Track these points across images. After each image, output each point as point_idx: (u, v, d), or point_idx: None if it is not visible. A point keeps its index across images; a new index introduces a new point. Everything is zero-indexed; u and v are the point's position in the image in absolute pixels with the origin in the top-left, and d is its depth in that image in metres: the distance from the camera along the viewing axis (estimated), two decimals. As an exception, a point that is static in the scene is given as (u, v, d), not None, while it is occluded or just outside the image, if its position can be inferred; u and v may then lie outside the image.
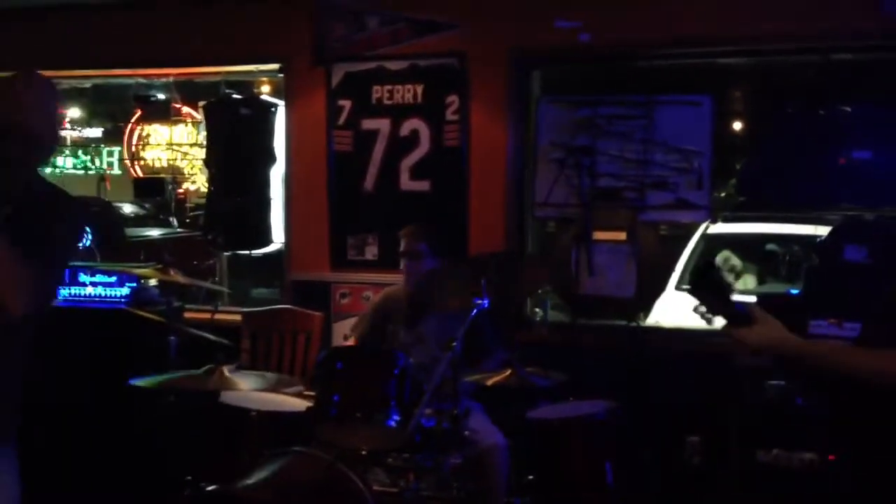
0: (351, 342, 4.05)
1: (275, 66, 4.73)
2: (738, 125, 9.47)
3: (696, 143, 4.09)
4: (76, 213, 2.50)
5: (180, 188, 5.85)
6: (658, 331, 4.32)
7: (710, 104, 4.11)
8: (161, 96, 5.52)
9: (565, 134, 4.24)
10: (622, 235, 4.11)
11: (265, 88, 5.77)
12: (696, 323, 4.31)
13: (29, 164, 2.29)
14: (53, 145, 2.41)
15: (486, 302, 3.06)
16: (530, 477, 3.37)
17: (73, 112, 5.60)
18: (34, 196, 2.31)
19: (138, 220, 11.34)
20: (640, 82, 4.24)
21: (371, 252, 4.57)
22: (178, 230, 9.79)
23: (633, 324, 4.17)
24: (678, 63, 4.32)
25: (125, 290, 4.35)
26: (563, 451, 3.36)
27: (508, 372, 3.38)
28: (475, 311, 3.04)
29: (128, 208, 11.49)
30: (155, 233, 10.14)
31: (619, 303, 4.11)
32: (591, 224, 4.12)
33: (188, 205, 10.41)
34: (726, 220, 7.96)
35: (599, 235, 4.12)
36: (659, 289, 4.22)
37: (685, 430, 4.15)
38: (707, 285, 2.08)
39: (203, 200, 5.99)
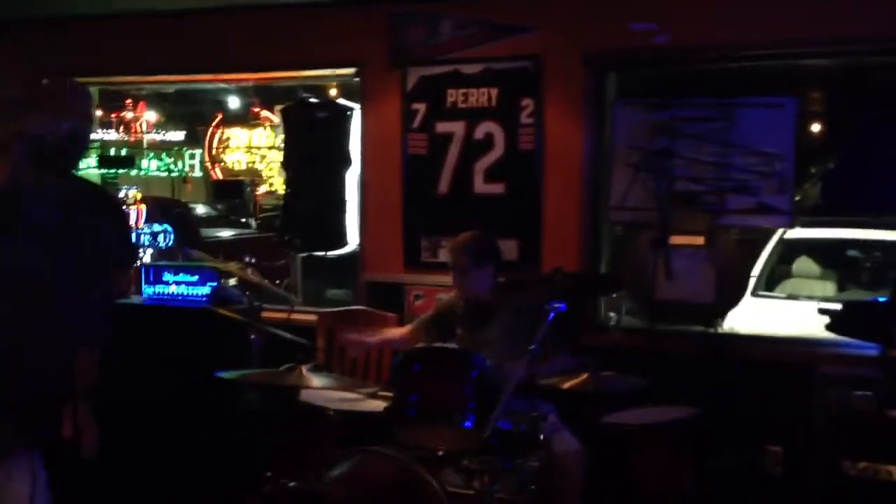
0: (405, 329, 4.07)
1: (351, 70, 4.78)
2: (816, 128, 9.21)
3: (778, 146, 3.99)
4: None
5: (257, 190, 5.97)
6: (738, 337, 4.23)
7: (794, 106, 4.01)
8: (239, 101, 5.67)
9: (642, 137, 4.18)
10: (700, 240, 4.04)
11: (332, 92, 5.83)
12: (777, 330, 4.25)
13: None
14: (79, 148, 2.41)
15: (563, 305, 3.05)
16: (605, 483, 3.34)
17: (153, 116, 5.78)
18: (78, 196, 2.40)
19: (210, 221, 11.64)
20: (720, 84, 4.16)
21: (444, 254, 4.56)
22: (248, 231, 9.99)
23: (712, 330, 4.09)
24: (759, 65, 4.22)
25: (206, 290, 4.45)
26: (641, 457, 3.32)
27: (585, 376, 3.35)
28: (553, 314, 3.03)
29: (200, 209, 11.80)
30: (226, 234, 10.38)
31: (697, 308, 4.04)
32: (668, 228, 4.06)
33: (262, 205, 10.62)
34: (805, 224, 7.77)
35: (677, 240, 4.05)
36: (738, 294, 4.12)
37: (766, 440, 4.06)
38: None
39: (276, 202, 6.12)
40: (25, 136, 2.10)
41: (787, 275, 7.34)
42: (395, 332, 4.12)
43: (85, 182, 2.69)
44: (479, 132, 4.46)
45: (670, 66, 4.32)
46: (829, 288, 7.15)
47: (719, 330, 4.15)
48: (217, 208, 12.13)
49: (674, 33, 4.08)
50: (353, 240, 4.90)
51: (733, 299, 4.11)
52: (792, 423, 3.94)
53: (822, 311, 3.80)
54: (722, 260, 4.00)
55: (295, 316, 4.71)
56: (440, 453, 3.04)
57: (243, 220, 11.01)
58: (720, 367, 3.97)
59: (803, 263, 7.34)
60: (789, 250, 7.44)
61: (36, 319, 2.27)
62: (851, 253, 7.70)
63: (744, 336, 4.28)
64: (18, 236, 2.22)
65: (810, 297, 6.56)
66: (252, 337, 3.57)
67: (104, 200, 2.67)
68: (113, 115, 5.63)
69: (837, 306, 3.68)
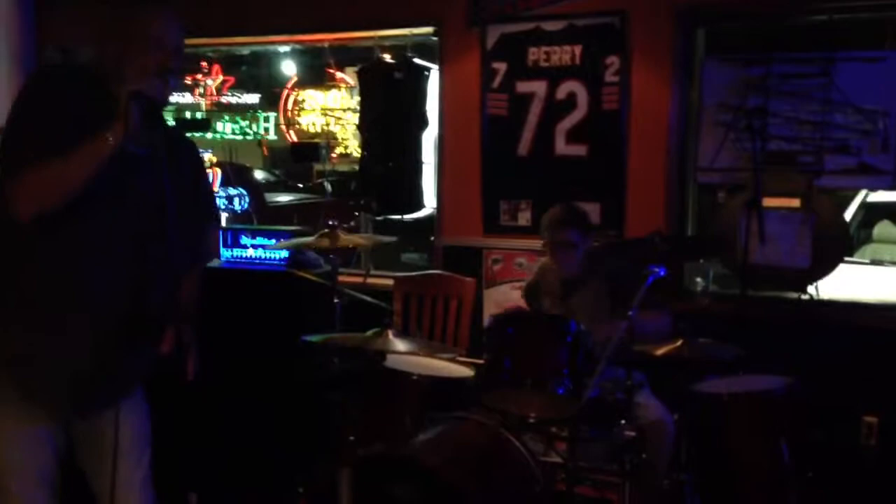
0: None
1: (429, 29, 4.67)
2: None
3: (881, 102, 3.78)
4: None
5: (333, 153, 5.94)
6: (833, 304, 4.05)
7: (899, 60, 3.80)
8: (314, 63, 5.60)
9: (734, 95, 4.01)
10: (796, 202, 3.87)
11: (386, 57, 5.69)
12: (862, 295, 4.07)
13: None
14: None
15: (662, 270, 2.94)
16: (696, 453, 3.24)
17: (231, 79, 5.75)
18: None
19: (269, 187, 11.63)
20: (818, 37, 3.94)
21: (524, 218, 4.48)
22: (308, 195, 9.95)
23: (806, 296, 3.94)
24: (860, 16, 3.99)
25: (284, 253, 4.43)
26: (733, 427, 3.20)
27: (680, 342, 3.23)
28: (651, 278, 2.92)
29: (258, 175, 11.80)
30: (285, 198, 10.36)
31: (791, 274, 3.88)
32: (761, 190, 3.89)
33: (318, 169, 10.55)
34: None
35: (771, 202, 3.88)
36: (836, 259, 3.95)
37: (861, 411, 3.91)
38: None
39: (334, 167, 6.07)
40: (141, 96, 2.06)
41: (868, 239, 7.08)
42: None
43: (182, 133, 2.66)
44: (562, 92, 4.32)
45: (765, 19, 4.11)
46: (911, 254, 6.87)
47: (813, 296, 3.99)
48: (275, 173, 12.14)
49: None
50: (429, 203, 4.83)
51: (830, 264, 3.93)
52: (888, 393, 3.79)
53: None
54: (819, 223, 3.83)
55: (370, 280, 4.69)
56: (531, 420, 2.98)
57: (300, 185, 10.98)
58: (814, 335, 3.83)
59: (885, 228, 7.07)
60: (871, 214, 7.16)
61: (155, 245, 2.26)
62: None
63: (839, 302, 4.10)
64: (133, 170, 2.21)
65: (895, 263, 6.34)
66: (336, 301, 3.53)
67: (192, 144, 2.67)
68: (188, 78, 5.63)
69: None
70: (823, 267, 3.91)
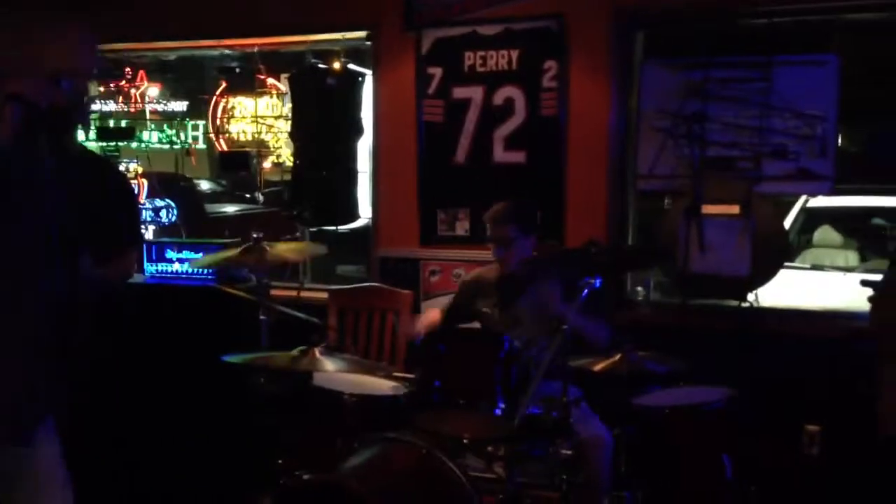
0: (433, 314, 3.85)
1: (362, 33, 4.53)
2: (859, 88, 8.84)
3: (819, 106, 3.75)
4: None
5: (263, 163, 5.76)
6: (774, 312, 4.00)
7: (836, 64, 3.76)
8: (242, 68, 5.42)
9: (673, 100, 3.94)
10: (735, 209, 3.81)
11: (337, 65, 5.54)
12: (803, 301, 4.03)
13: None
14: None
15: (598, 281, 2.83)
16: (637, 468, 3.14)
17: (158, 85, 5.54)
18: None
19: (215, 197, 11.36)
20: (757, 41, 3.89)
21: (462, 227, 4.36)
22: (253, 206, 9.75)
23: (747, 304, 3.88)
24: (800, 19, 3.95)
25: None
26: (675, 441, 3.12)
27: (618, 357, 3.13)
28: (587, 290, 2.82)
29: (205, 185, 11.53)
30: (231, 209, 10.15)
31: (731, 281, 3.82)
32: (701, 197, 3.83)
33: (266, 179, 10.38)
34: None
35: (710, 209, 3.83)
36: (776, 267, 3.90)
37: (803, 419, 3.87)
38: None
39: (283, 176, 5.90)
40: (21, 99, 1.88)
41: (809, 244, 7.12)
42: (435, 316, 3.87)
43: (87, 152, 2.46)
44: (499, 97, 4.21)
45: (705, 22, 4.05)
46: (852, 258, 6.92)
47: (754, 304, 3.93)
48: (221, 183, 11.88)
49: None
50: (364, 213, 4.68)
51: (770, 271, 3.88)
52: (830, 402, 3.74)
53: (865, 283, 3.58)
54: (759, 230, 3.78)
55: (304, 294, 4.53)
56: (465, 441, 2.85)
57: (248, 195, 10.77)
58: (754, 343, 3.76)
59: (824, 233, 7.11)
60: (812, 219, 7.21)
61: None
62: (877, 221, 7.45)
63: (779, 310, 4.05)
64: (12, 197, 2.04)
65: (836, 268, 6.37)
66: (262, 317, 3.36)
67: (106, 173, 2.44)
68: (111, 85, 5.39)
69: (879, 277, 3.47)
70: (764, 274, 3.85)
